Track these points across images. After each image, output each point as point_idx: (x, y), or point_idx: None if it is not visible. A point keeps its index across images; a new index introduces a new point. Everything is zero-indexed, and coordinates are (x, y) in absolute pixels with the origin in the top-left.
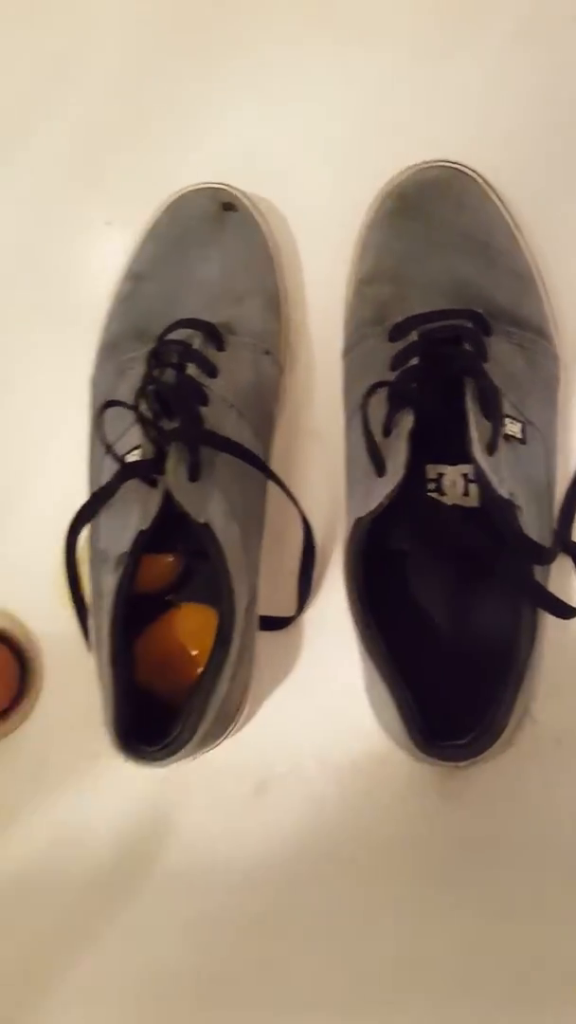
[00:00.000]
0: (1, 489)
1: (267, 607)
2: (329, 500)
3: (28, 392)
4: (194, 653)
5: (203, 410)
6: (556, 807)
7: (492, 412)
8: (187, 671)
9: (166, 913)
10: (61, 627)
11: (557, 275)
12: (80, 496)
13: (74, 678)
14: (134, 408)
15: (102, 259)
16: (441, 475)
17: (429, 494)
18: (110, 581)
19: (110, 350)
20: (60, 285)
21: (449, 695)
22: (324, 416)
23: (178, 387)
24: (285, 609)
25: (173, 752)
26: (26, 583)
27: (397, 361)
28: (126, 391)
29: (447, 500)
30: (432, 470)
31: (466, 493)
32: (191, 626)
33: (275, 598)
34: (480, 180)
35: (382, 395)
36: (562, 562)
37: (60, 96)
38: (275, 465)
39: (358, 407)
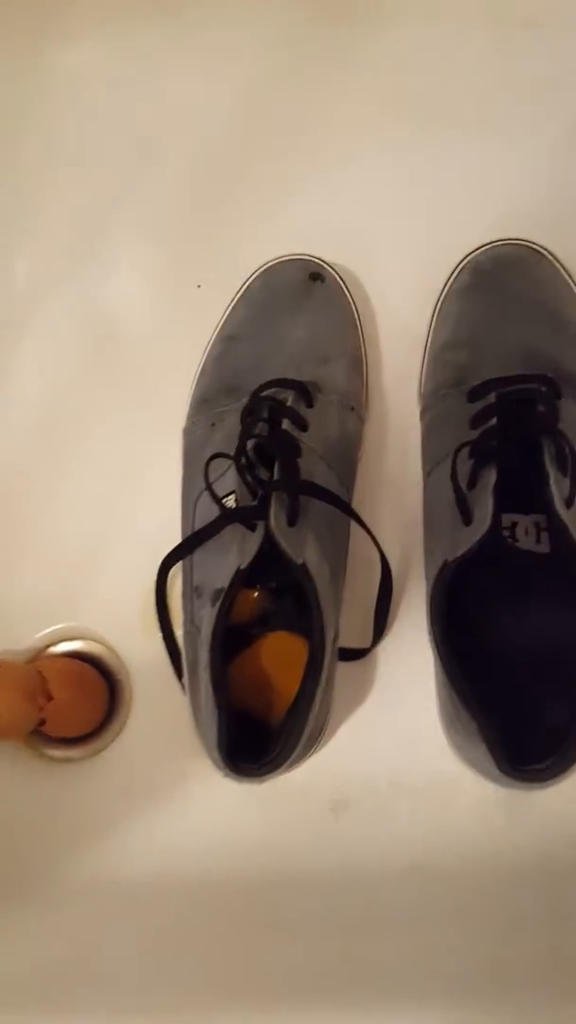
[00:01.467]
0: (98, 525)
1: (343, 639)
2: (400, 541)
3: (126, 434)
4: (282, 678)
5: (298, 461)
6: None
7: (569, 470)
8: (277, 694)
9: (246, 923)
10: (149, 655)
11: None
12: (169, 533)
13: (159, 703)
14: (235, 459)
15: (194, 318)
16: (515, 524)
17: (507, 540)
18: (209, 613)
19: (203, 404)
20: (152, 340)
21: (526, 725)
22: (398, 466)
23: (277, 440)
24: (359, 641)
25: (273, 770)
26: (118, 612)
27: (476, 421)
28: (219, 440)
29: (521, 546)
30: (507, 519)
31: (538, 541)
32: (279, 653)
33: (350, 630)
34: (550, 257)
35: (466, 452)
36: None
37: (157, 165)
38: (355, 509)
39: (445, 461)
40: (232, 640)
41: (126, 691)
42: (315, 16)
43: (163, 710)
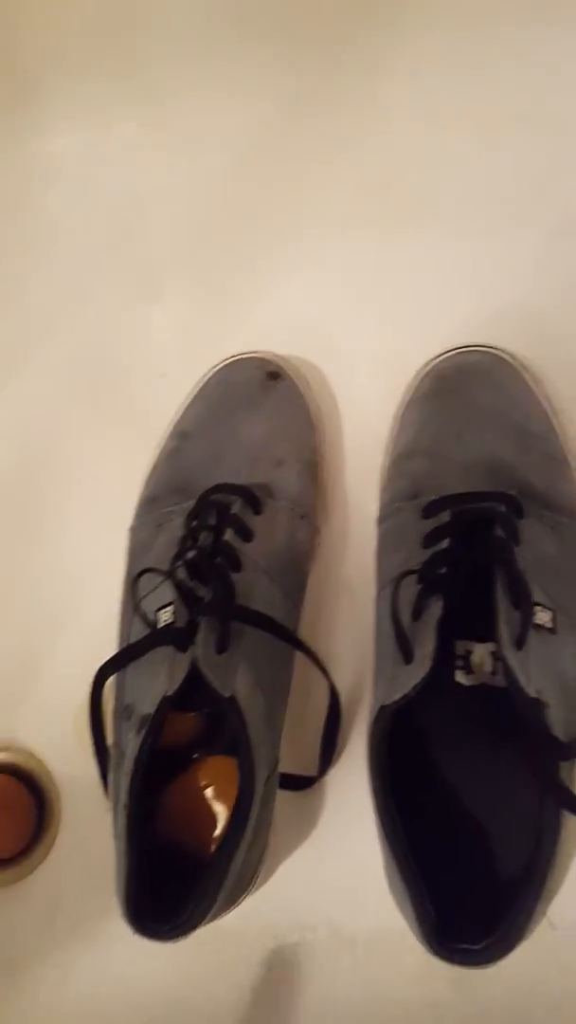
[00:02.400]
0: (33, 630)
1: (290, 763)
2: (357, 656)
3: (66, 538)
4: (219, 806)
5: (236, 576)
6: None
7: (522, 603)
8: (213, 824)
9: None
10: (83, 772)
11: None
12: (110, 644)
13: (91, 824)
14: (169, 575)
15: (154, 408)
16: (469, 652)
17: (457, 673)
18: (133, 742)
19: (151, 503)
20: (111, 429)
21: (468, 892)
22: (356, 574)
23: (212, 558)
24: (308, 765)
25: (183, 933)
26: (50, 723)
27: (429, 540)
28: (163, 542)
29: (474, 679)
30: (461, 646)
31: (494, 672)
32: (215, 779)
33: (299, 754)
34: (517, 365)
35: (413, 577)
36: None
37: (129, 254)
38: (306, 618)
39: (388, 587)
40: (168, 764)
41: (55, 811)
42: (290, 108)
43: (93, 834)
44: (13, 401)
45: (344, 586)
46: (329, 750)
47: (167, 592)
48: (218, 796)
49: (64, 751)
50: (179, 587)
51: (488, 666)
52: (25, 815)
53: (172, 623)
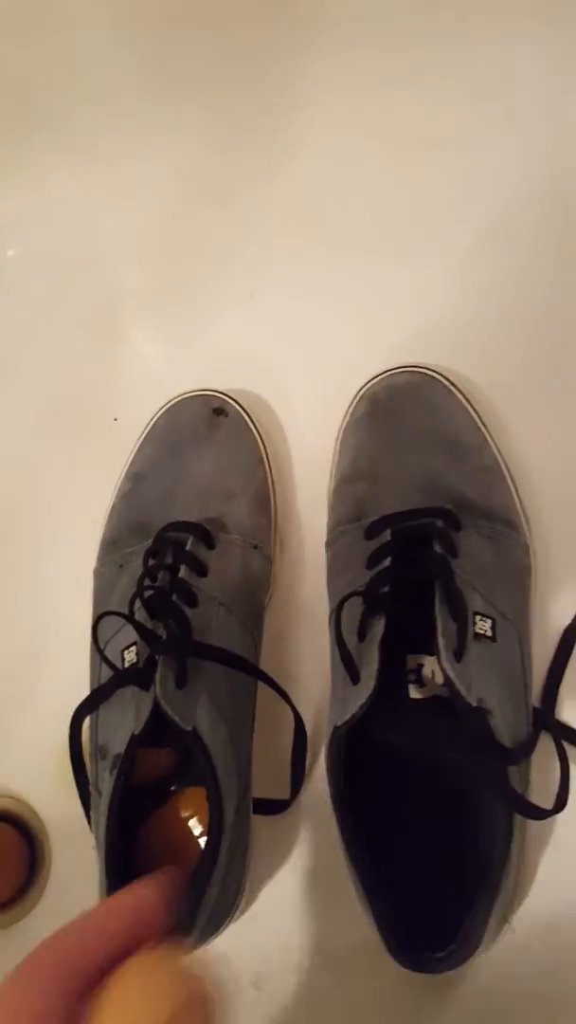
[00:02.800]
0: (12, 674)
1: (265, 787)
2: (320, 680)
3: (39, 581)
4: (197, 836)
5: (192, 612)
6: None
7: (460, 615)
8: (195, 852)
9: None
10: (67, 811)
11: (525, 466)
12: (87, 685)
13: (80, 863)
14: (127, 617)
15: (109, 452)
16: (420, 665)
17: (411, 688)
18: (108, 781)
19: (111, 545)
20: (68, 477)
21: (431, 902)
22: (314, 598)
23: (166, 597)
24: (284, 789)
25: None
26: (34, 766)
27: (372, 561)
28: (126, 583)
29: (427, 691)
30: (412, 660)
31: (445, 684)
32: (195, 809)
33: (274, 777)
34: (446, 382)
35: (358, 599)
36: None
37: (72, 300)
38: (268, 645)
39: (334, 612)
40: (147, 798)
41: (46, 852)
42: (216, 145)
43: (84, 873)
44: None
45: (303, 611)
46: (298, 773)
47: (130, 632)
48: (198, 825)
49: (49, 793)
50: (138, 627)
51: (439, 678)
52: (19, 859)
53: (136, 663)
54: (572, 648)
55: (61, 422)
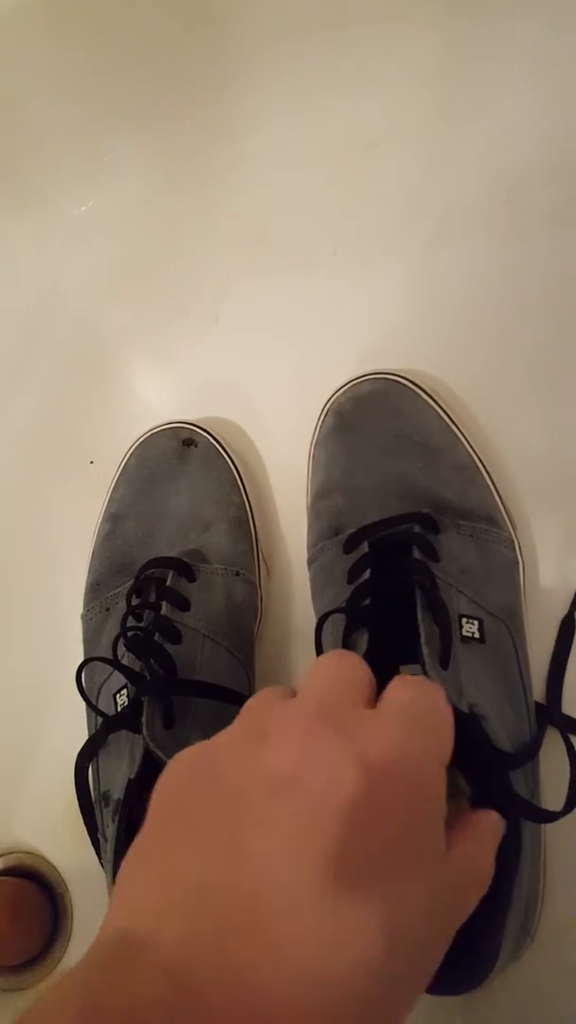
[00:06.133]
0: (21, 729)
1: None
2: None
3: (39, 633)
4: None
5: (175, 648)
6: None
7: (444, 622)
8: None
9: None
10: (84, 863)
11: (502, 459)
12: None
13: (102, 911)
14: (110, 661)
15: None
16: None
17: None
18: (111, 828)
19: (96, 589)
20: (54, 519)
21: None
22: (306, 617)
23: (148, 637)
24: None
25: None
26: (45, 819)
27: (352, 574)
28: (113, 626)
29: None
30: (406, 671)
31: None
32: None
33: None
34: (411, 385)
35: (338, 616)
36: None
37: (43, 343)
38: (264, 669)
39: (316, 630)
40: None
41: (67, 905)
42: (164, 182)
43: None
44: None
45: (296, 632)
46: None
47: (120, 676)
48: None
49: (65, 844)
50: (122, 669)
51: None
52: (43, 914)
53: (126, 706)
54: (572, 638)
55: (42, 464)
